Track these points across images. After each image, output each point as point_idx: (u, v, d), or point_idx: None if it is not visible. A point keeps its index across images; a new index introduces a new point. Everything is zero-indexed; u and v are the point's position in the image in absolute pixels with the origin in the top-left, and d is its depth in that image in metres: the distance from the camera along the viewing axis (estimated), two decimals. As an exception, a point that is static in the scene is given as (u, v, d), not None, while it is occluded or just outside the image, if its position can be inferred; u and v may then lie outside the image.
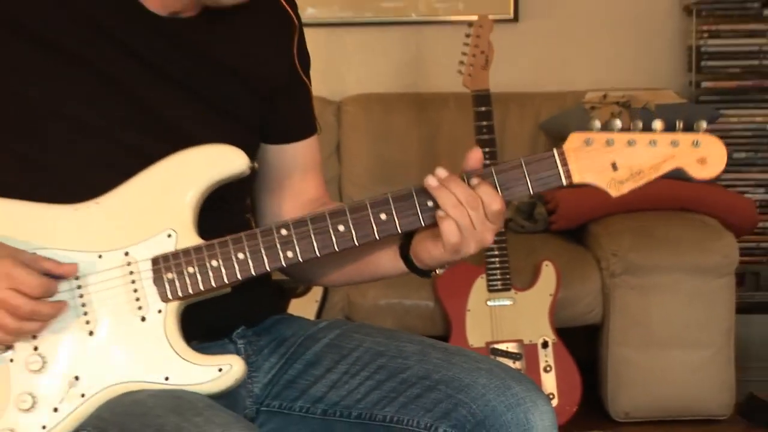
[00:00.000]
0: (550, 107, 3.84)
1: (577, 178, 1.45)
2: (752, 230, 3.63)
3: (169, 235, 1.47)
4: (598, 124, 1.45)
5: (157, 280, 1.46)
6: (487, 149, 3.02)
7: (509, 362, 3.02)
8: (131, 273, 1.46)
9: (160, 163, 1.49)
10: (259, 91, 1.63)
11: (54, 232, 1.47)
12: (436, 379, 1.49)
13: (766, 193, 3.92)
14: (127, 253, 1.47)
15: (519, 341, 3.14)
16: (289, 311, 1.78)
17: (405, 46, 4.09)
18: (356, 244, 1.47)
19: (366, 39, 4.09)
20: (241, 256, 1.46)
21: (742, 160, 3.88)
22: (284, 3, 1.66)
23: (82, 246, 1.47)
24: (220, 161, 1.50)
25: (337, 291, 3.29)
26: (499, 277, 3.14)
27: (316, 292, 3.25)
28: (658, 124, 1.43)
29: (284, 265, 1.48)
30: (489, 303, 3.15)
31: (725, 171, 1.47)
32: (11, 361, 1.44)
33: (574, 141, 1.45)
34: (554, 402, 3.11)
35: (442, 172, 1.45)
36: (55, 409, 1.44)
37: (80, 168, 1.49)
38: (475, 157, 1.47)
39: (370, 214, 1.47)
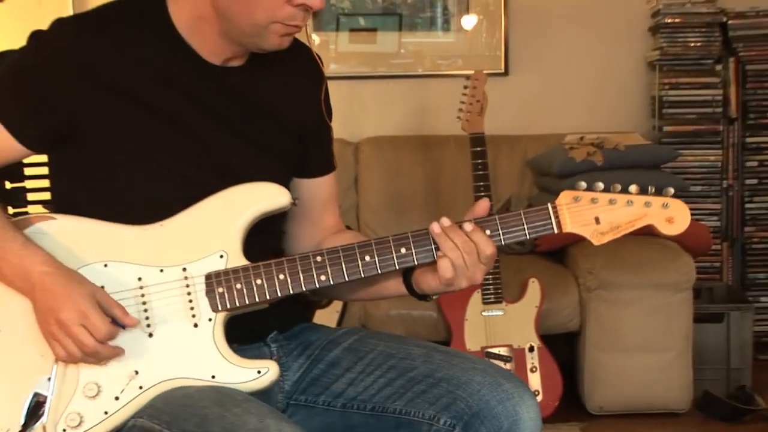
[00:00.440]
0: (536, 147, 3.82)
1: (566, 229, 1.46)
2: (707, 252, 3.62)
3: (221, 256, 1.48)
4: (584, 184, 1.46)
5: (209, 293, 1.47)
6: (482, 183, 3.03)
7: (501, 364, 2.99)
8: (187, 286, 1.47)
9: (216, 195, 1.50)
10: (295, 134, 1.63)
11: (124, 248, 1.48)
12: (439, 378, 1.50)
13: (718, 220, 3.92)
14: (185, 269, 1.48)
15: (509, 346, 3.12)
16: (314, 320, 1.78)
17: (413, 96, 4.09)
18: (379, 272, 1.48)
19: (380, 90, 4.09)
20: (281, 276, 1.47)
21: (698, 192, 3.87)
22: (315, 55, 1.66)
23: (147, 261, 1.48)
24: (267, 197, 1.51)
25: (354, 303, 3.28)
26: (492, 291, 3.12)
27: (337, 305, 3.24)
28: (633, 187, 1.45)
29: (318, 287, 1.48)
30: (484, 313, 3.13)
31: (684, 201, 1.48)
32: None
33: (565, 198, 1.46)
34: (539, 398, 3.09)
35: (445, 221, 1.47)
36: (117, 398, 1.44)
37: (152, 199, 1.50)
38: (483, 206, 1.49)
39: (392, 248, 1.48)
